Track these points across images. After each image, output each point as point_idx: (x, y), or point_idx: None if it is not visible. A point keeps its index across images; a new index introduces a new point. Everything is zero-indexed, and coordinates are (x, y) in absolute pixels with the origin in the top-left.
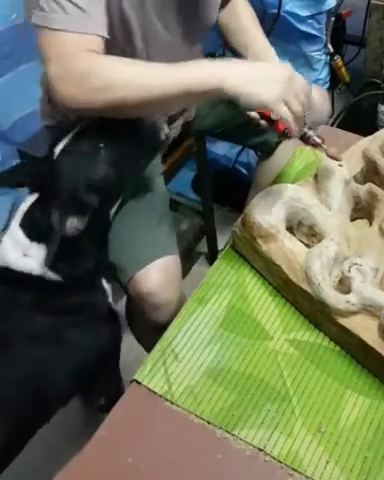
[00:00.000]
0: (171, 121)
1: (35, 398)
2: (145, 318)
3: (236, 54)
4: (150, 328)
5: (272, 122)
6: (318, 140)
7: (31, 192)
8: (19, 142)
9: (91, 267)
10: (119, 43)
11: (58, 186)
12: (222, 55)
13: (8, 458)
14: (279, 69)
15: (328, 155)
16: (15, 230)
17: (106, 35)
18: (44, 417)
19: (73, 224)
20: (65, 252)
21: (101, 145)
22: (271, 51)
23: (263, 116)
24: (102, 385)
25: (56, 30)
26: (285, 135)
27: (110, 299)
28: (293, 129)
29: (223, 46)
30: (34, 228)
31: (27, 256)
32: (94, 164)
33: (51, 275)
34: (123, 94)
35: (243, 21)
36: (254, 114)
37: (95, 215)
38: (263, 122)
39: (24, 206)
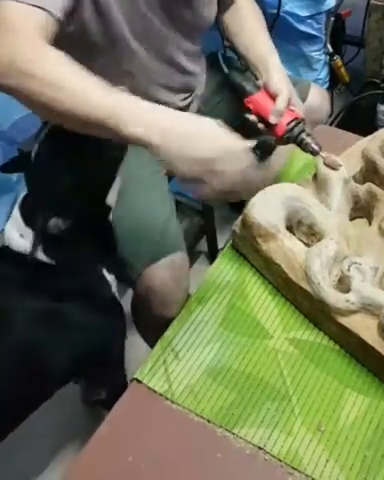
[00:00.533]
0: None
1: (32, 373)
2: (153, 314)
3: (238, 55)
4: (158, 324)
5: (270, 126)
6: (316, 147)
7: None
8: (19, 142)
9: (87, 255)
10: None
11: (41, 187)
12: (224, 54)
13: (7, 429)
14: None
15: (325, 164)
16: (15, 210)
17: (60, 14)
18: (44, 393)
19: (56, 223)
20: (54, 241)
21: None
22: (273, 57)
23: (261, 119)
24: (104, 376)
25: None
26: (283, 140)
27: (114, 290)
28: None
29: (225, 46)
30: (28, 213)
31: (23, 237)
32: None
33: (44, 258)
34: (39, 90)
35: (246, 23)
36: (253, 117)
37: (81, 212)
38: (261, 126)
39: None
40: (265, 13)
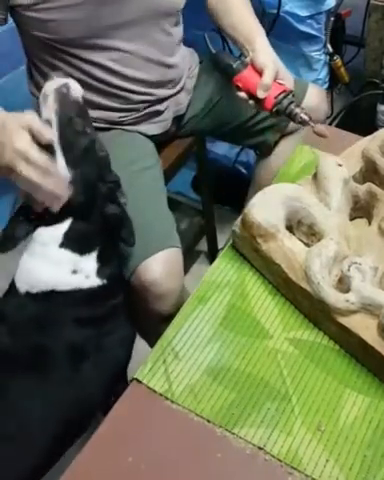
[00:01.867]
0: (158, 114)
1: (77, 414)
2: (148, 308)
3: (224, 37)
4: (153, 319)
5: (259, 101)
6: (305, 117)
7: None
8: None
9: (119, 264)
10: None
11: (84, 190)
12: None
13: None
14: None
15: (315, 132)
16: (56, 253)
17: None
18: (83, 429)
19: (113, 210)
20: (106, 253)
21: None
22: (260, 32)
23: (251, 96)
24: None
25: None
26: (274, 113)
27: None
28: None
29: (215, 30)
30: (81, 241)
31: (76, 272)
32: (93, 147)
33: (98, 281)
34: None
35: (233, 4)
36: (242, 94)
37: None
38: (251, 102)
39: (54, 231)
40: (265, 13)
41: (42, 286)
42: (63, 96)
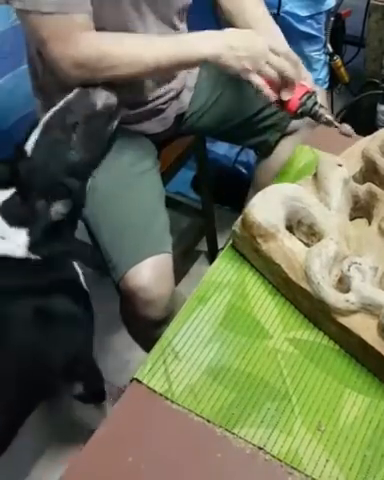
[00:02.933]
0: (158, 112)
1: (30, 384)
2: (138, 314)
3: None
4: (144, 324)
5: (283, 103)
6: (330, 118)
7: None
8: (19, 142)
9: (67, 247)
10: None
11: (40, 178)
12: None
13: (10, 435)
14: (246, 40)
15: (341, 132)
16: None
17: (91, 8)
18: (37, 400)
19: (58, 209)
20: (45, 234)
21: (74, 123)
22: (277, 32)
23: (276, 100)
24: (80, 370)
25: (49, 13)
26: (298, 115)
27: (82, 280)
28: (268, 94)
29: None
30: (14, 215)
31: (4, 239)
32: (69, 149)
33: (31, 255)
34: (125, 71)
35: (246, 4)
36: (267, 91)
37: (74, 198)
38: (275, 104)
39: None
40: None
41: None
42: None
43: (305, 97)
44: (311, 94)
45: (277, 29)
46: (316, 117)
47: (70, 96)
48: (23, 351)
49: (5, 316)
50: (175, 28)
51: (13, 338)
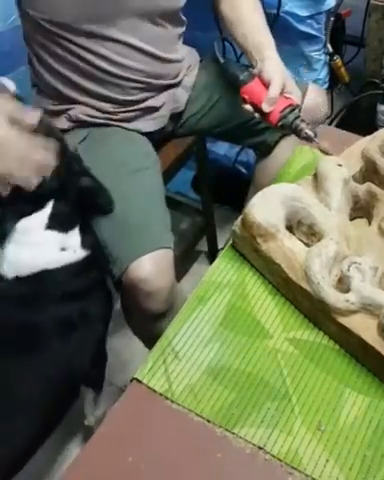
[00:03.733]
0: (151, 111)
1: (67, 387)
2: (139, 307)
3: (235, 44)
4: (144, 318)
5: (264, 114)
6: (310, 133)
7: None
8: None
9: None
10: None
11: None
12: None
13: (40, 443)
14: None
15: (320, 149)
16: (42, 236)
17: None
18: (73, 401)
19: (86, 183)
20: (85, 224)
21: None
22: (271, 43)
23: (256, 109)
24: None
25: None
26: (278, 127)
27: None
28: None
29: (222, 39)
30: (64, 222)
31: (65, 249)
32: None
33: (84, 253)
34: None
35: (243, 12)
36: (248, 107)
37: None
38: (257, 115)
39: (37, 217)
40: (265, 13)
41: (32, 269)
42: None
43: (287, 110)
44: (294, 108)
45: (271, 42)
46: (296, 132)
47: None
48: (64, 356)
49: (50, 322)
50: (157, 24)
51: (55, 345)
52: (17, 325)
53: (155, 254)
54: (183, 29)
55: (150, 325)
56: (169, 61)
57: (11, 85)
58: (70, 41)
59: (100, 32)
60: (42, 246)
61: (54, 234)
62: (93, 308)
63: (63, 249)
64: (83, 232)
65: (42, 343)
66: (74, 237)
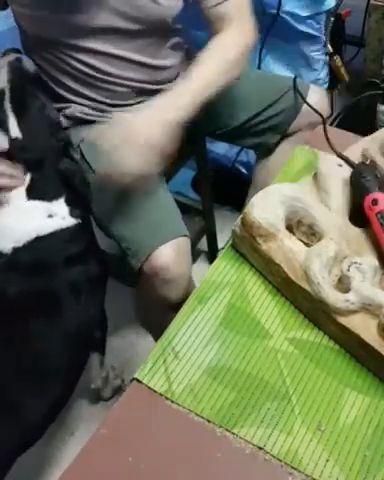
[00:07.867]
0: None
1: (83, 349)
2: (157, 295)
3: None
4: (161, 307)
5: None
6: None
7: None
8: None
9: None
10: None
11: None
12: None
13: (62, 405)
14: None
15: None
16: (26, 205)
17: None
18: (85, 364)
19: (66, 164)
20: (73, 197)
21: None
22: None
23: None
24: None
25: None
26: None
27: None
28: None
29: None
30: (44, 191)
31: (52, 216)
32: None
33: (74, 221)
34: None
35: (204, 54)
36: None
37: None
38: None
39: (19, 190)
40: (264, 13)
41: (25, 237)
42: (15, 67)
43: None
44: None
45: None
46: None
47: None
48: (78, 319)
49: (63, 287)
50: (146, 36)
51: (71, 308)
52: (38, 291)
53: (176, 241)
54: (176, 38)
55: (165, 316)
56: (160, 68)
57: (31, 63)
58: (60, 51)
59: (86, 45)
60: (29, 213)
61: (36, 203)
62: (94, 270)
63: (50, 216)
64: (71, 205)
65: (61, 307)
66: (60, 206)
